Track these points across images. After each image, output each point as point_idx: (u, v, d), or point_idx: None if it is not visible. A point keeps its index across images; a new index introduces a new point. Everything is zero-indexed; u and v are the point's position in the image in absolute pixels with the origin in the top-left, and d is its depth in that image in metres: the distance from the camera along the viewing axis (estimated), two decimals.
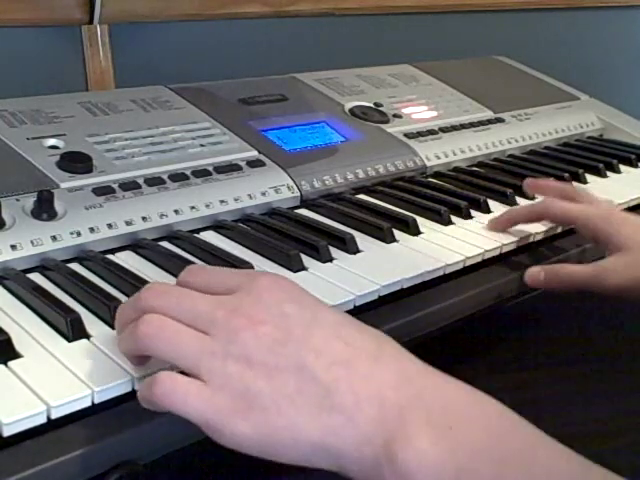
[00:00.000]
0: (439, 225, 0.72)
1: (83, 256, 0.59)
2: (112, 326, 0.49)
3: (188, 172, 0.69)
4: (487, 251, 0.67)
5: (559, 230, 0.75)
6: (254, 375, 0.38)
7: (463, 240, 0.69)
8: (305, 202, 0.74)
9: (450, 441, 0.37)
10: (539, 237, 0.73)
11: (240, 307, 0.40)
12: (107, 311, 0.50)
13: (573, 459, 0.39)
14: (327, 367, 0.39)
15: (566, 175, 0.88)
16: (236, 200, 0.69)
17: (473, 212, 0.75)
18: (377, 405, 0.38)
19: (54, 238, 0.58)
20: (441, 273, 0.64)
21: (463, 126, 0.95)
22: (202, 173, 0.70)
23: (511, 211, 0.74)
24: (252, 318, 0.40)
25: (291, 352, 0.39)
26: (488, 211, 0.77)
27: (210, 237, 0.66)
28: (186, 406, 0.38)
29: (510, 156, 0.96)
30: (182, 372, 0.40)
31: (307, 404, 0.38)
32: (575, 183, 0.88)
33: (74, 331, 0.48)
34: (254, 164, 0.73)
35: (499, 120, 0.99)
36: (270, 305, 0.41)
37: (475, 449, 0.38)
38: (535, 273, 0.67)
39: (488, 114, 1.01)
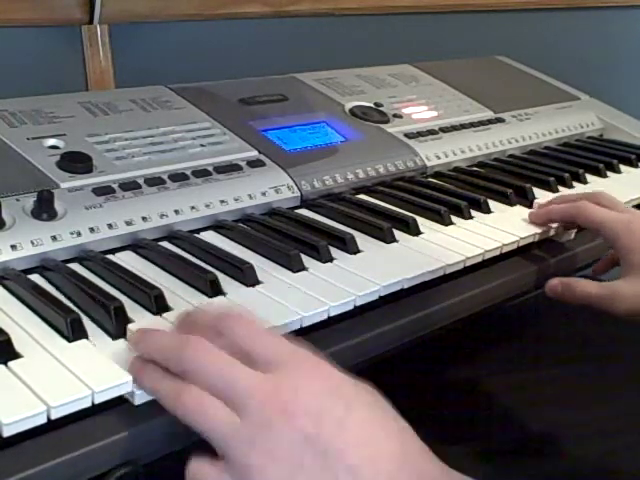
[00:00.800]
0: (439, 225, 0.72)
1: (83, 256, 0.59)
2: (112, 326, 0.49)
3: (188, 172, 0.69)
4: (487, 251, 0.67)
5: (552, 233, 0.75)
6: (276, 471, 0.39)
7: (463, 240, 0.68)
8: (305, 202, 0.74)
9: None
10: (539, 237, 0.73)
11: (277, 394, 0.40)
12: (107, 311, 0.50)
13: None
14: (351, 469, 0.39)
15: (566, 175, 0.88)
16: (236, 200, 0.69)
17: (473, 212, 0.75)
18: None
19: (54, 238, 0.58)
20: (441, 273, 0.63)
21: (463, 126, 0.95)
22: (202, 173, 0.70)
23: (551, 208, 0.74)
24: (287, 408, 0.40)
25: (319, 451, 0.39)
26: (488, 211, 0.77)
27: (210, 237, 0.66)
28: None
29: (510, 156, 0.96)
30: None
31: None
32: (575, 183, 0.88)
33: (74, 331, 0.48)
34: (254, 164, 0.73)
35: (499, 120, 0.99)
36: (308, 395, 0.41)
37: None
38: (554, 285, 0.68)
39: (488, 114, 1.01)
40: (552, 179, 0.86)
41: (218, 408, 0.41)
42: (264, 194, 0.71)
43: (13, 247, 0.56)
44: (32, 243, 0.57)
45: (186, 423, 0.41)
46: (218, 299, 0.55)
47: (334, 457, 0.39)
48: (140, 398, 0.44)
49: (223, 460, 0.40)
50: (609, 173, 0.93)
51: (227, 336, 0.43)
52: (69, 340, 0.47)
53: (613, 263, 0.82)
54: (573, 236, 0.75)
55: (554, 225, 0.73)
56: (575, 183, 0.88)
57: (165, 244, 0.63)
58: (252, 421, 0.40)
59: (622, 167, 0.96)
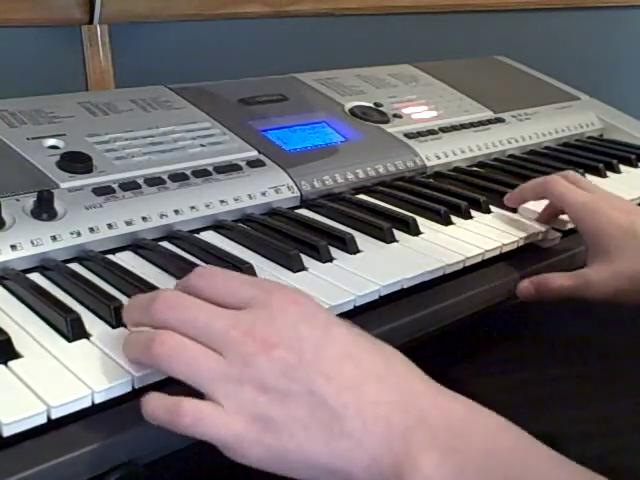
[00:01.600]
0: (439, 225, 0.72)
1: (83, 256, 0.59)
2: (113, 326, 0.49)
3: (188, 172, 0.69)
4: (487, 251, 0.67)
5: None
6: (268, 400, 0.40)
7: (463, 240, 0.69)
8: (305, 202, 0.74)
9: (454, 462, 0.39)
10: (539, 237, 0.73)
11: (254, 327, 0.41)
12: (107, 311, 0.50)
13: (576, 471, 0.41)
14: (337, 392, 0.40)
15: None
16: (236, 200, 0.69)
17: (473, 212, 0.75)
18: (384, 429, 0.39)
19: (54, 238, 0.58)
20: (441, 273, 0.64)
21: (463, 126, 0.95)
22: (202, 173, 0.70)
23: (522, 187, 0.75)
24: (266, 341, 0.40)
25: (303, 377, 0.40)
26: (488, 211, 0.77)
27: (210, 237, 0.66)
28: (209, 432, 0.40)
29: (510, 156, 0.96)
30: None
31: (318, 429, 0.40)
32: None
33: (74, 331, 0.48)
34: (254, 164, 0.73)
35: (499, 120, 0.99)
36: (283, 326, 0.41)
37: (478, 468, 0.39)
38: (525, 288, 0.67)
39: (488, 114, 1.01)
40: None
41: (198, 350, 0.41)
42: (264, 194, 0.71)
43: (13, 247, 0.56)
44: (32, 243, 0.57)
45: (169, 373, 0.41)
46: None
47: (319, 381, 0.40)
48: (140, 381, 0.44)
49: (211, 400, 0.40)
50: (609, 173, 0.93)
51: (197, 289, 0.44)
52: (69, 340, 0.47)
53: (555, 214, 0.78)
54: (557, 241, 0.74)
55: (542, 229, 0.72)
56: None
57: (165, 244, 0.63)
58: (234, 359, 0.40)
59: (622, 167, 0.96)
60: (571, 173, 0.73)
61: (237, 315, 0.42)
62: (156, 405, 0.41)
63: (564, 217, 0.73)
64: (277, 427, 0.40)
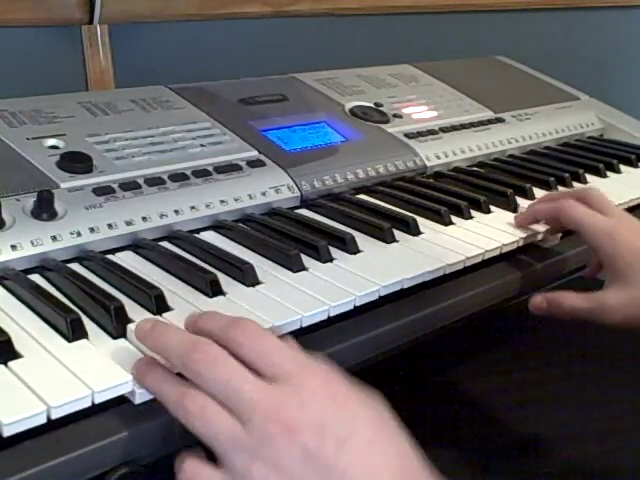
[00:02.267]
0: (439, 225, 0.72)
1: (83, 256, 0.59)
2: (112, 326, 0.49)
3: (188, 172, 0.69)
4: (487, 251, 0.67)
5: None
6: None
7: (463, 240, 0.68)
8: (305, 202, 0.74)
9: None
10: (539, 237, 0.73)
11: (281, 406, 0.40)
12: (107, 311, 0.50)
13: None
14: None
15: (566, 175, 0.88)
16: (236, 200, 0.69)
17: (473, 212, 0.75)
18: None
19: (54, 238, 0.58)
20: (441, 273, 0.63)
21: (463, 126, 0.95)
22: (202, 173, 0.70)
23: (533, 208, 0.72)
24: (290, 424, 0.40)
25: (320, 467, 0.39)
26: (488, 211, 0.77)
27: (210, 237, 0.66)
28: None
29: (510, 156, 0.96)
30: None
31: None
32: (575, 183, 0.88)
33: (74, 331, 0.48)
34: (254, 164, 0.73)
35: (499, 120, 0.99)
36: (311, 411, 0.40)
37: None
38: (538, 302, 0.66)
39: (488, 114, 1.01)
40: (552, 179, 0.86)
41: (221, 416, 0.41)
42: (264, 194, 0.71)
43: (13, 247, 0.56)
44: (32, 243, 0.57)
45: (187, 427, 0.41)
46: (218, 299, 0.55)
47: (334, 475, 0.39)
48: (141, 397, 0.44)
49: (222, 466, 0.40)
50: (609, 173, 0.93)
51: (237, 344, 0.43)
52: (69, 340, 0.47)
53: (600, 266, 0.79)
54: (557, 242, 0.73)
55: (542, 229, 0.72)
56: (575, 183, 0.88)
57: (165, 244, 0.63)
58: (255, 433, 0.40)
59: (622, 167, 0.96)
60: (588, 193, 0.70)
61: (268, 388, 0.41)
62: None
63: None
64: None
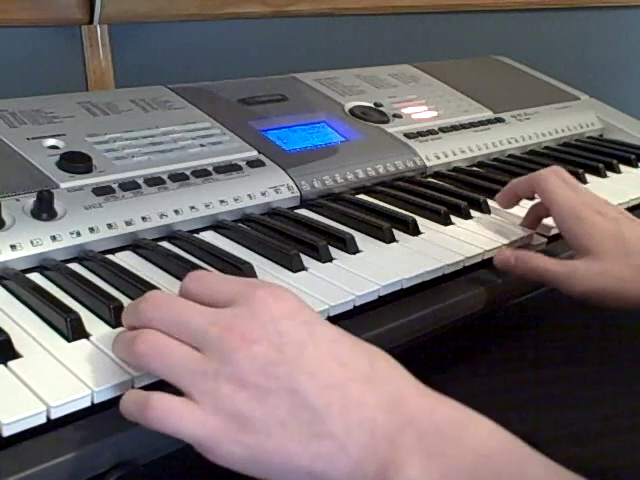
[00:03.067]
0: (439, 225, 0.72)
1: (83, 256, 0.59)
2: (112, 326, 0.49)
3: (188, 172, 0.69)
4: (487, 251, 0.67)
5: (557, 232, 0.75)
6: (246, 397, 0.38)
7: (463, 240, 0.69)
8: (305, 202, 0.74)
9: (441, 468, 0.37)
10: (553, 232, 0.72)
11: (235, 323, 0.40)
12: (107, 311, 0.50)
13: (564, 475, 0.39)
14: (320, 391, 0.38)
15: None
16: (236, 200, 0.69)
17: (473, 212, 0.75)
18: (369, 432, 0.38)
19: (54, 238, 0.58)
20: (441, 273, 0.64)
21: (463, 126, 0.95)
22: (202, 173, 0.70)
23: (512, 182, 0.74)
24: (246, 336, 0.39)
25: (284, 374, 0.39)
26: (488, 211, 0.77)
27: (210, 237, 0.66)
28: (179, 428, 0.39)
29: (510, 156, 0.96)
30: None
31: (298, 429, 0.38)
32: None
33: (74, 331, 0.48)
34: (254, 164, 0.73)
35: (499, 120, 0.99)
36: (265, 321, 0.40)
37: (468, 474, 0.37)
38: (506, 257, 0.66)
39: (488, 114, 1.01)
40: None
41: (175, 347, 0.40)
42: (264, 194, 0.71)
43: (13, 247, 0.56)
44: (32, 243, 0.57)
45: (144, 368, 0.41)
46: None
47: (301, 380, 0.38)
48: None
49: (191, 397, 0.39)
50: (609, 173, 0.93)
51: (186, 294, 0.43)
52: (69, 340, 0.47)
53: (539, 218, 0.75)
54: (544, 246, 0.73)
55: (525, 233, 0.71)
56: None
57: (165, 244, 0.63)
58: (213, 353, 0.39)
59: (622, 167, 0.96)
60: (558, 168, 0.71)
61: (218, 312, 0.41)
62: (128, 399, 0.41)
63: (548, 222, 0.72)
64: (255, 426, 0.38)
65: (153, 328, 0.41)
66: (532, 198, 0.74)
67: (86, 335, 0.48)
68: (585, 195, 0.69)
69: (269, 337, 0.39)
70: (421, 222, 0.71)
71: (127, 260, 0.60)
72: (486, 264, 0.68)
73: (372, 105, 0.94)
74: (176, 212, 0.65)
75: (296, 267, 0.60)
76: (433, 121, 0.94)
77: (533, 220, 0.73)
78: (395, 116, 0.92)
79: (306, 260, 0.61)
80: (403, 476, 0.37)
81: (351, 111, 0.91)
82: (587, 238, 0.64)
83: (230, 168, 0.72)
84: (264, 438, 0.38)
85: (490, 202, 0.78)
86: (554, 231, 0.72)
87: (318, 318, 0.43)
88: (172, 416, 0.39)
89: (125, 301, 0.51)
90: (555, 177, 0.69)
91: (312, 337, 0.40)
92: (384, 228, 0.68)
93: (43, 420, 0.41)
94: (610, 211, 0.67)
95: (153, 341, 0.41)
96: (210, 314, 0.41)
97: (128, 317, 0.44)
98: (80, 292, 0.53)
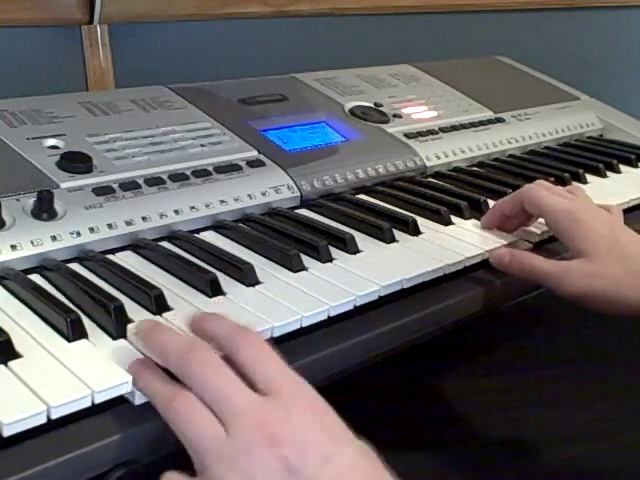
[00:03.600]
0: (439, 225, 0.72)
1: (83, 256, 0.59)
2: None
3: (188, 172, 0.69)
4: (487, 251, 0.67)
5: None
6: None
7: (463, 240, 0.69)
8: (305, 202, 0.74)
9: None
10: (539, 238, 0.72)
11: (268, 419, 0.40)
12: (107, 311, 0.50)
13: None
14: None
15: (566, 175, 0.88)
16: (236, 200, 0.69)
17: (473, 212, 0.75)
18: None
19: (54, 238, 0.58)
20: (441, 273, 0.63)
21: (463, 126, 0.95)
22: (202, 173, 0.70)
23: (498, 203, 0.72)
24: (274, 436, 0.39)
25: None
26: None
27: (210, 237, 0.66)
28: None
29: (510, 156, 0.96)
30: None
31: None
32: (575, 183, 0.88)
33: (74, 331, 0.48)
34: (254, 164, 0.73)
35: (499, 120, 0.99)
36: (297, 428, 0.40)
37: None
38: (501, 254, 0.66)
39: (488, 114, 1.01)
40: (552, 179, 0.85)
41: (207, 420, 0.40)
42: (264, 194, 0.71)
43: (13, 247, 0.56)
44: (32, 243, 0.57)
45: (173, 429, 0.41)
46: (218, 299, 0.55)
47: None
48: (140, 398, 0.44)
49: (199, 474, 0.39)
50: (609, 173, 0.93)
51: (236, 351, 0.43)
52: (69, 340, 0.47)
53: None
54: (531, 245, 0.72)
55: (505, 242, 0.70)
56: (575, 183, 0.88)
57: (165, 244, 0.63)
58: (237, 441, 0.39)
59: (622, 167, 0.96)
60: (541, 181, 0.72)
61: (257, 399, 0.41)
62: None
63: (532, 229, 0.72)
64: None
65: (193, 386, 0.41)
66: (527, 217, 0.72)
67: (86, 335, 0.48)
68: (577, 200, 0.69)
69: (296, 444, 0.39)
70: (421, 222, 0.71)
71: (127, 260, 0.60)
72: (486, 264, 0.68)
73: (372, 105, 0.94)
74: (176, 212, 0.65)
75: (296, 267, 0.60)
76: (433, 121, 0.94)
77: (516, 225, 0.72)
78: (395, 116, 0.92)
79: (306, 260, 0.61)
80: None
81: (351, 111, 0.91)
82: (582, 240, 0.64)
83: (230, 168, 0.72)
84: None
85: (490, 202, 0.78)
86: (538, 238, 0.72)
87: (347, 436, 0.42)
88: None
89: (125, 301, 0.51)
90: (541, 188, 0.69)
91: (337, 455, 0.40)
92: (384, 228, 0.68)
93: (43, 420, 0.41)
94: (603, 216, 0.67)
95: (191, 407, 0.41)
96: (250, 399, 0.41)
97: (171, 358, 0.43)
98: (80, 292, 0.53)
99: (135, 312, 0.51)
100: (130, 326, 0.48)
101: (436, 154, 0.87)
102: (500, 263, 0.66)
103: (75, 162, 0.65)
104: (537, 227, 0.72)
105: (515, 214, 0.71)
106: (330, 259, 0.62)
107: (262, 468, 0.38)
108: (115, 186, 0.65)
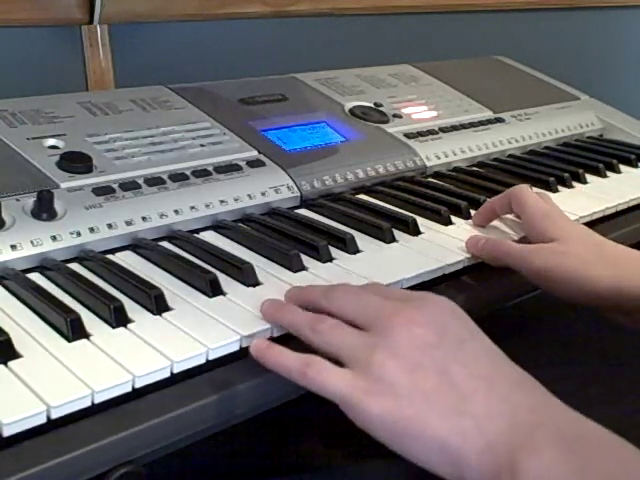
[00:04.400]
0: (439, 225, 0.72)
1: (83, 256, 0.59)
2: (112, 326, 0.49)
3: (188, 172, 0.69)
4: None
5: None
6: (395, 365, 0.42)
7: (463, 240, 0.68)
8: (305, 202, 0.74)
9: (579, 463, 0.38)
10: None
11: (405, 309, 0.44)
12: (107, 311, 0.50)
13: None
14: (469, 378, 0.41)
15: (566, 175, 0.88)
16: (236, 200, 0.69)
17: (473, 212, 0.75)
18: (509, 420, 0.40)
19: (54, 238, 0.58)
20: (441, 273, 0.64)
21: (463, 126, 0.95)
22: (202, 173, 0.70)
23: (488, 202, 0.74)
24: (412, 319, 0.43)
25: (438, 356, 0.42)
26: None
27: (210, 237, 0.66)
28: (326, 384, 0.42)
29: (510, 156, 0.96)
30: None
31: (441, 403, 0.40)
32: (575, 183, 0.88)
33: (74, 331, 0.48)
34: (254, 164, 0.73)
35: (499, 120, 0.99)
36: (434, 314, 0.44)
37: (604, 476, 0.38)
38: (476, 240, 0.66)
39: (488, 114, 1.01)
40: (552, 179, 0.86)
41: (350, 330, 0.45)
42: (264, 194, 0.71)
43: (13, 247, 0.56)
44: (32, 243, 0.57)
45: (318, 346, 0.45)
46: (218, 299, 0.55)
47: (453, 367, 0.41)
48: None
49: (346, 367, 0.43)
50: (609, 173, 0.93)
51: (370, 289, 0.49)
52: (69, 340, 0.47)
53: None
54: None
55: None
56: (575, 183, 0.88)
57: (165, 244, 0.63)
58: (377, 329, 0.43)
59: (622, 167, 0.96)
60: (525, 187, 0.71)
61: (395, 303, 0.45)
62: (288, 354, 0.45)
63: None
64: (398, 392, 0.41)
65: (336, 309, 0.47)
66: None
67: (86, 335, 0.48)
68: (557, 207, 0.69)
69: (434, 326, 0.43)
70: (421, 222, 0.71)
71: (127, 260, 0.60)
72: (486, 264, 0.68)
73: (372, 105, 0.94)
74: (176, 212, 0.65)
75: (296, 267, 0.60)
76: (433, 121, 0.94)
77: (490, 218, 0.73)
78: (395, 116, 0.92)
79: (306, 260, 0.61)
80: (538, 460, 0.38)
81: (351, 111, 0.91)
82: (554, 229, 0.64)
83: (230, 168, 0.72)
84: (405, 404, 0.40)
85: None
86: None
87: (481, 331, 0.46)
88: (324, 372, 0.43)
89: (125, 301, 0.51)
90: (529, 189, 0.70)
91: (472, 338, 0.44)
92: (384, 228, 0.68)
93: (43, 420, 0.41)
94: (580, 227, 0.67)
95: (332, 324, 0.45)
96: (388, 302, 0.46)
97: (320, 300, 0.48)
98: (80, 292, 0.53)
99: (135, 312, 0.51)
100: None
101: (436, 154, 0.87)
102: (474, 247, 0.66)
103: (75, 162, 0.66)
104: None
105: (504, 213, 0.72)
106: (330, 259, 0.62)
107: (403, 344, 0.42)
108: (115, 186, 0.65)
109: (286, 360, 0.45)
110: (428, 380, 0.41)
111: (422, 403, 0.40)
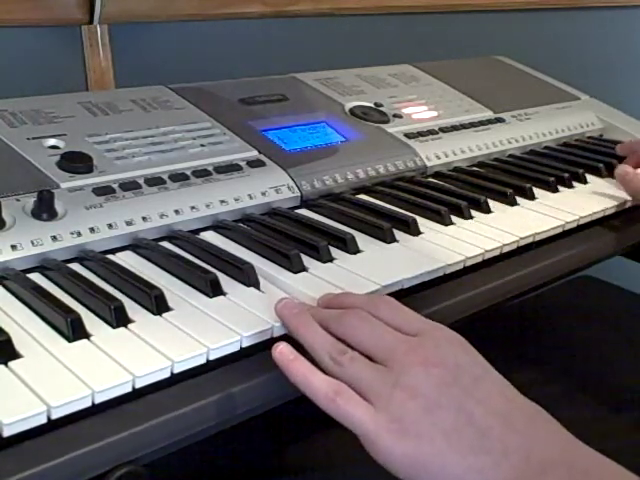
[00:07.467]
0: (439, 225, 0.72)
1: (83, 256, 0.59)
2: (112, 326, 0.49)
3: (188, 172, 0.69)
4: (487, 251, 0.67)
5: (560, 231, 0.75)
6: (415, 406, 0.43)
7: (463, 240, 0.68)
8: (305, 202, 0.74)
9: None
10: (539, 237, 0.73)
11: (420, 348, 0.45)
12: (107, 311, 0.50)
13: None
14: (486, 415, 0.42)
15: (566, 175, 0.88)
16: (236, 200, 0.69)
17: (473, 212, 0.75)
18: (524, 457, 0.41)
19: (54, 238, 0.58)
20: (441, 273, 0.64)
21: (463, 126, 0.95)
22: (202, 173, 0.70)
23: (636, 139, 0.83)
24: (427, 359, 0.44)
25: (455, 394, 0.43)
26: (488, 211, 0.77)
27: (210, 237, 0.66)
28: (352, 416, 0.43)
29: (510, 156, 0.96)
30: None
31: (459, 441, 0.42)
32: (575, 183, 0.88)
33: (74, 331, 0.48)
34: (254, 164, 0.73)
35: (499, 120, 0.99)
36: (447, 353, 0.45)
37: None
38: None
39: (488, 114, 1.01)
40: (552, 179, 0.86)
41: (367, 364, 0.45)
42: (264, 194, 0.71)
43: (13, 247, 0.56)
44: (32, 243, 0.57)
45: (338, 376, 0.46)
46: (218, 299, 0.55)
47: (469, 404, 0.42)
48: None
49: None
50: (609, 173, 0.93)
51: (375, 312, 0.49)
52: (69, 340, 0.47)
53: None
54: None
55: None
56: (575, 183, 0.88)
57: (165, 244, 0.63)
58: (395, 366, 0.44)
59: None
60: None
61: (407, 337, 0.46)
62: (319, 376, 0.45)
63: None
64: (418, 431, 0.42)
65: (351, 338, 0.47)
66: None
67: (86, 335, 0.48)
68: None
69: (448, 365, 0.44)
70: (421, 222, 0.71)
71: (127, 260, 0.60)
72: (486, 264, 0.68)
73: (372, 105, 0.94)
74: (176, 212, 0.65)
75: (296, 267, 0.60)
76: (433, 121, 0.94)
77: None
78: (395, 116, 0.92)
79: (306, 260, 0.61)
80: None
81: (351, 111, 0.91)
82: None
83: (230, 168, 0.72)
84: (426, 443, 0.42)
85: (490, 202, 0.78)
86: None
87: (492, 368, 0.46)
88: (352, 403, 0.44)
89: (125, 301, 0.51)
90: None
91: (486, 376, 0.45)
92: (384, 228, 0.68)
93: (44, 420, 0.41)
94: None
95: (350, 356, 0.46)
96: (401, 336, 0.47)
97: (331, 322, 0.49)
98: (80, 292, 0.53)
99: (135, 312, 0.51)
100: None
101: (436, 154, 0.87)
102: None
103: (75, 162, 0.65)
104: None
105: None
106: (330, 259, 0.62)
107: (420, 384, 0.43)
108: (115, 186, 0.65)
109: (316, 382, 0.45)
110: (447, 419, 0.42)
111: (442, 442, 0.42)
